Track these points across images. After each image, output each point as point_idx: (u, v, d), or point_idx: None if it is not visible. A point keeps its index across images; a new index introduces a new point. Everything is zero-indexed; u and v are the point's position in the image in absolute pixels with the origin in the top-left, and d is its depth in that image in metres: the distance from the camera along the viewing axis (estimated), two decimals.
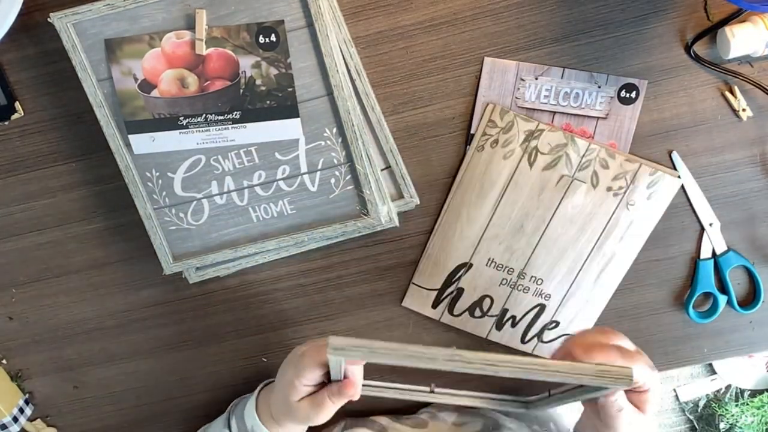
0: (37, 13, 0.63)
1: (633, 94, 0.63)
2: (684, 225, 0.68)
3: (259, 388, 0.64)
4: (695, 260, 0.68)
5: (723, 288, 0.69)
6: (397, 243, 0.69)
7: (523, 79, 0.63)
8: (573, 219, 0.65)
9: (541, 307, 0.69)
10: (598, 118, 0.64)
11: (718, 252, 0.68)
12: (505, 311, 0.70)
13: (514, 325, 0.70)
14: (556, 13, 0.62)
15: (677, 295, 0.70)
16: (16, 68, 0.65)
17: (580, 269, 0.67)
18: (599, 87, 0.63)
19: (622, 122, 0.64)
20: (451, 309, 0.70)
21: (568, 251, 0.66)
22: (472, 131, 0.65)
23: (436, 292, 0.70)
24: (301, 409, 0.56)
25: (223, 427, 0.65)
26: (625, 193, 0.63)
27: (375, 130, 0.65)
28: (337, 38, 0.62)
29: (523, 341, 0.71)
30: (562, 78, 0.63)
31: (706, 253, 0.68)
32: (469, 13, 0.62)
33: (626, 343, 0.53)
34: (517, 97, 0.64)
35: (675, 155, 0.65)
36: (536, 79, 0.63)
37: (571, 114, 0.64)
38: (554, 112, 0.64)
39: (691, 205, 0.67)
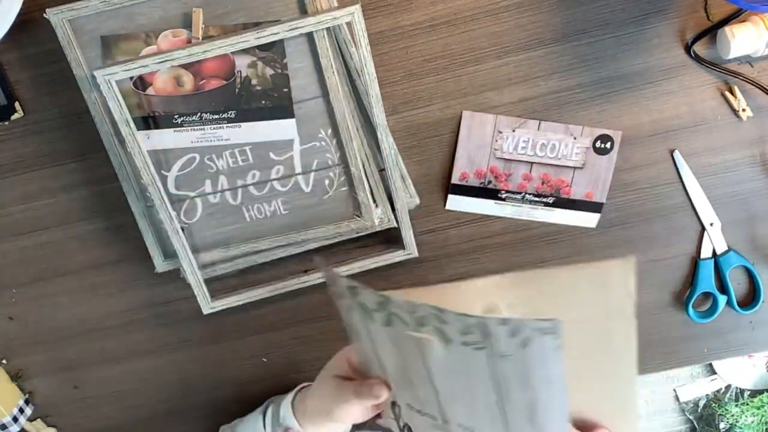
0: (37, 13, 0.63)
1: (608, 145, 0.64)
2: (684, 225, 0.68)
3: (296, 389, 0.63)
4: (695, 260, 0.68)
5: (723, 288, 0.69)
6: (397, 243, 0.69)
7: (500, 132, 0.64)
8: (453, 372, 0.45)
9: None
10: (575, 168, 0.65)
11: (718, 252, 0.68)
12: None
13: None
14: (556, 13, 0.62)
15: (677, 295, 0.70)
16: (16, 68, 0.65)
17: (505, 420, 0.46)
18: (575, 138, 0.64)
19: (599, 172, 0.65)
20: None
21: (475, 402, 0.46)
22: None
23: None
24: (325, 397, 0.53)
25: (258, 413, 0.65)
26: (483, 348, 0.41)
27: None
28: (337, 38, 0.62)
29: None
30: (538, 130, 0.64)
31: (706, 252, 0.68)
32: (469, 13, 0.62)
33: None
34: (495, 149, 0.65)
35: (677, 154, 0.65)
36: (513, 131, 0.64)
37: (549, 164, 0.65)
38: (532, 163, 0.66)
39: (692, 204, 0.67)
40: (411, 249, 0.67)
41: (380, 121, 0.64)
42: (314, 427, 0.60)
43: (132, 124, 0.60)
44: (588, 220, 0.68)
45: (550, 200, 0.67)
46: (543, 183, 0.66)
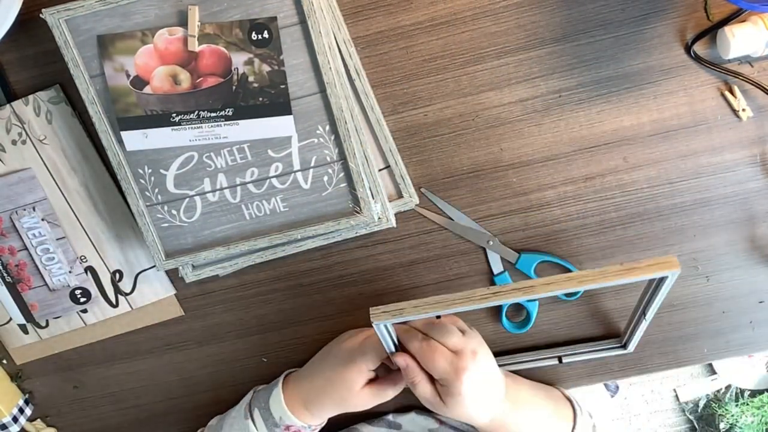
0: (36, 14, 0.63)
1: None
2: (683, 225, 0.68)
3: (282, 377, 0.65)
4: (491, 279, 0.69)
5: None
6: (397, 243, 0.69)
7: None
8: None
9: None
10: None
11: (497, 271, 0.69)
12: None
13: None
14: (556, 13, 0.62)
15: (676, 295, 0.70)
16: (16, 68, 0.65)
17: None
18: None
19: None
20: None
21: None
22: None
23: None
24: (362, 397, 0.58)
25: (244, 418, 0.64)
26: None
27: (374, 129, 0.65)
28: (337, 38, 0.62)
29: None
30: None
31: (497, 268, 0.68)
32: (469, 13, 0.62)
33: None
34: None
35: None
36: None
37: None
38: None
39: None
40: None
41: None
42: (319, 418, 0.61)
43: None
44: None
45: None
46: None
